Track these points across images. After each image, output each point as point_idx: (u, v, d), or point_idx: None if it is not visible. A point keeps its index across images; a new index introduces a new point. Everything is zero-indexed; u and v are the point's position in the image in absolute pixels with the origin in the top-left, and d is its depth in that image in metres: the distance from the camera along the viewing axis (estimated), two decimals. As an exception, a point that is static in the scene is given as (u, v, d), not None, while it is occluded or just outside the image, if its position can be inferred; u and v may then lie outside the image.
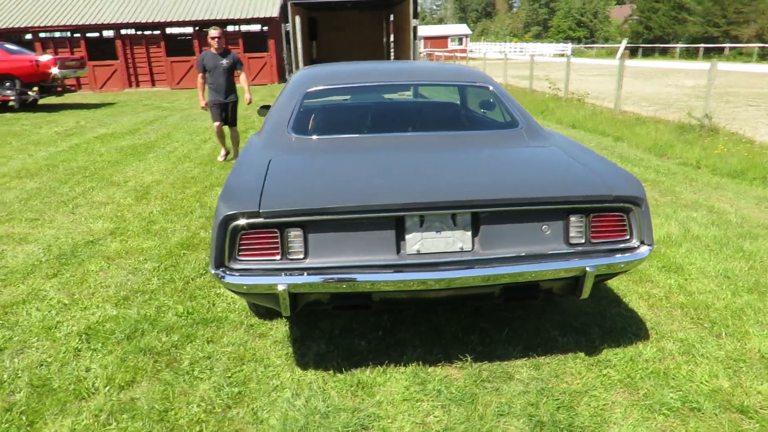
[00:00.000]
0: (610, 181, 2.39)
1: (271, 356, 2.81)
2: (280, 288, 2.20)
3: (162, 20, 20.60)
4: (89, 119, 12.35)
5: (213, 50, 6.85)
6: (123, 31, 21.11)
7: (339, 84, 3.35)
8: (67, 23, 20.70)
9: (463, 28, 48.51)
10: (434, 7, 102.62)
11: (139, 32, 21.41)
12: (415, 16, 10.43)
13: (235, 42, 21.02)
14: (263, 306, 2.79)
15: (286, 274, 2.25)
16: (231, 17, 20.82)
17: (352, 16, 17.43)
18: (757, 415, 2.30)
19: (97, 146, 8.77)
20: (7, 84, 13.16)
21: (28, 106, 14.21)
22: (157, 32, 21.21)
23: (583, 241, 2.36)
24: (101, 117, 12.77)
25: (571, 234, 2.35)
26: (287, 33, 10.41)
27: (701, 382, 2.51)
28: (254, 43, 21.58)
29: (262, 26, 22.06)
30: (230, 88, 7.02)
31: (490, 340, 2.91)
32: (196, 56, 20.95)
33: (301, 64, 11.04)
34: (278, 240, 2.25)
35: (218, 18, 20.67)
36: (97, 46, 21.43)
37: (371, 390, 2.53)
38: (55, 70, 13.18)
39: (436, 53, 36.27)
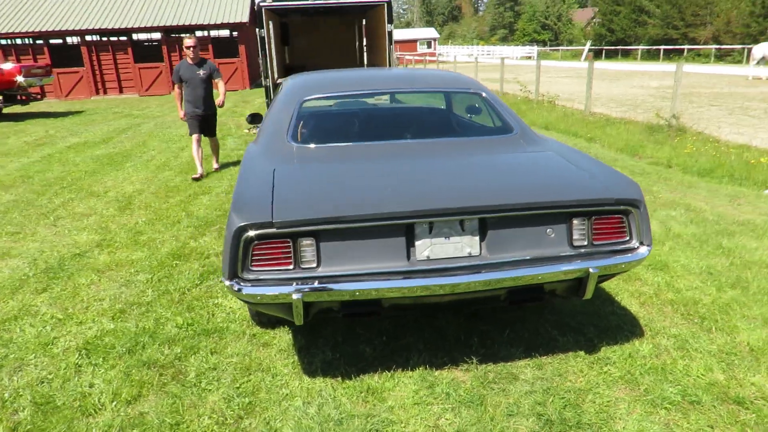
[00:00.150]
0: (610, 185, 2.49)
1: (278, 365, 2.82)
2: (295, 297, 2.21)
3: (128, 26, 20.21)
4: (58, 128, 12.04)
5: (189, 60, 6.59)
6: (88, 38, 20.63)
7: (335, 92, 3.37)
8: (29, 30, 20.12)
9: (431, 32, 48.92)
10: (401, 11, 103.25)
11: (105, 38, 20.94)
12: (390, 20, 10.48)
13: (204, 48, 20.77)
14: (273, 315, 2.79)
15: (298, 284, 2.27)
16: (200, 23, 20.57)
17: (324, 21, 17.39)
18: (753, 405, 2.41)
19: (71, 156, 8.57)
20: (-30, 93, 12.75)
21: (-9, 116, 13.78)
22: (124, 38, 20.80)
23: (585, 243, 2.45)
24: (71, 126, 12.47)
25: (574, 237, 2.44)
26: (262, 38, 10.33)
27: (698, 376, 2.62)
28: (225, 48, 21.38)
29: (232, 31, 21.87)
30: (209, 99, 6.78)
31: (491, 342, 2.97)
32: (164, 62, 20.66)
33: (275, 69, 10.97)
34: (291, 249, 2.26)
35: (187, 23, 20.41)
36: (61, 52, 20.89)
37: (381, 395, 2.56)
38: (20, 79, 12.82)
39: (407, 57, 36.49)
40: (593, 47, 46.76)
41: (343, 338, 3.02)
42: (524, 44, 59.96)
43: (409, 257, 2.35)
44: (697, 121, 11.15)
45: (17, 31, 20.07)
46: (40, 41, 20.58)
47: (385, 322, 3.15)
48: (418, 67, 22.80)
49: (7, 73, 12.67)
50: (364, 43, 16.84)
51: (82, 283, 3.83)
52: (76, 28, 20.10)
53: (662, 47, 39.53)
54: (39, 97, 15.04)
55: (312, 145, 2.99)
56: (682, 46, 39.13)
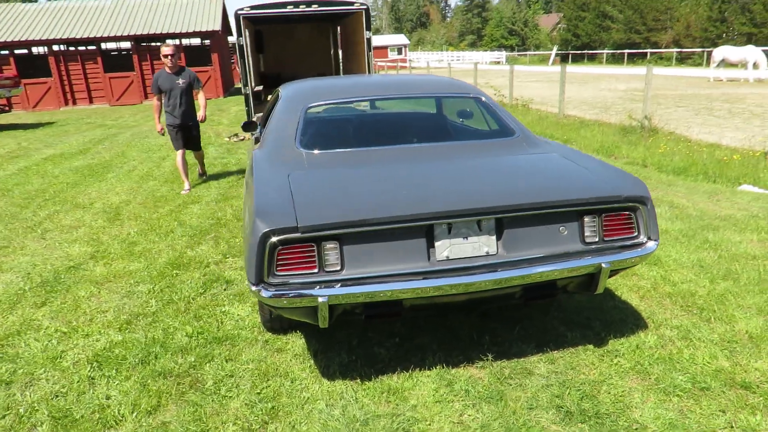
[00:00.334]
0: (618, 183, 2.59)
1: (295, 370, 2.83)
2: (321, 300, 2.24)
3: (98, 35, 19.84)
4: (31, 140, 11.74)
5: (167, 69, 6.26)
6: (56, 47, 20.16)
7: (338, 99, 3.41)
8: (-7, 39, 19.59)
9: (401, 38, 49.34)
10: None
11: (73, 48, 20.51)
12: (368, 27, 10.55)
13: (177, 56, 20.52)
14: (293, 320, 2.79)
15: (321, 287, 2.30)
16: (171, 31, 20.33)
17: (298, 29, 17.39)
18: (759, 389, 2.53)
19: (50, 168, 8.37)
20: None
21: (-43, 128, 13.36)
22: (93, 47, 20.40)
23: (597, 239, 2.54)
24: (44, 137, 12.17)
25: (586, 233, 2.52)
26: (241, 46, 10.29)
27: (704, 364, 2.74)
28: (197, 56, 21.15)
29: (203, 39, 21.67)
30: (190, 110, 6.43)
31: (503, 339, 3.04)
32: (135, 72, 20.34)
33: (251, 77, 10.92)
34: (315, 253, 2.29)
35: (157, 32, 20.15)
36: (28, 63, 20.36)
37: (402, 395, 2.60)
38: (-12, 90, 12.47)
39: (379, 63, 36.69)
40: (560, 52, 47.79)
41: (357, 341, 3.05)
42: (492, 49, 60.89)
43: (429, 258, 2.40)
44: (666, 122, 11.51)
45: (-20, 41, 19.52)
46: (5, 52, 20.03)
47: (397, 324, 3.19)
48: (413, 73, 22.95)
49: (-25, 85, 12.31)
50: (339, 50, 16.90)
51: (81, 295, 3.77)
52: (43, 38, 19.64)
53: (626, 51, 40.66)
54: (7, 108, 14.64)
55: (322, 151, 3.02)
56: (645, 50, 40.32)
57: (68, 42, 20.11)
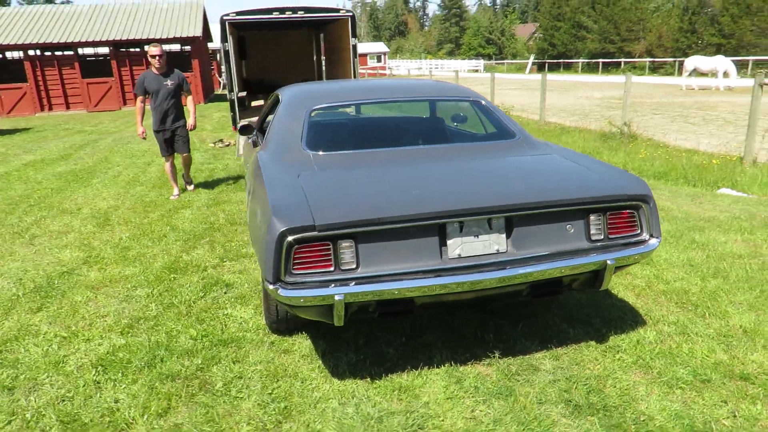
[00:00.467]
0: (621, 182, 2.67)
1: (304, 370, 2.84)
2: (337, 298, 2.26)
3: (75, 40, 19.54)
4: (8, 146, 11.50)
5: (154, 70, 6.00)
6: (31, 52, 19.79)
7: (343, 101, 3.45)
8: (-34, 44, 19.15)
9: (381, 46, 49.63)
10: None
11: (49, 53, 20.16)
12: (354, 34, 10.63)
13: (156, 62, 20.33)
14: (307, 319, 2.77)
15: (336, 285, 2.32)
16: (150, 37, 20.09)
17: (281, 35, 17.39)
18: (758, 380, 2.62)
19: (31, 174, 8.21)
20: None
21: (-70, 134, 13.00)
22: (70, 53, 20.07)
23: (602, 237, 2.61)
24: (21, 143, 11.92)
25: (592, 231, 2.60)
26: (226, 52, 10.26)
27: (703, 357, 2.83)
28: (177, 62, 20.89)
29: (182, 45, 21.52)
30: (178, 113, 6.17)
31: (507, 337, 3.09)
32: (114, 77, 20.08)
33: (235, 83, 10.89)
34: (331, 252, 2.31)
35: (136, 38, 19.94)
36: (2, 68, 19.94)
37: (414, 392, 2.63)
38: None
39: (359, 70, 36.79)
40: (537, 60, 48.58)
41: (364, 341, 3.07)
42: (471, 58, 61.61)
43: (441, 256, 2.45)
44: (644, 128, 11.79)
45: (-48, 45, 19.06)
46: (-22, 56, 19.61)
47: (402, 324, 3.22)
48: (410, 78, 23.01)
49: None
50: (323, 57, 16.95)
51: (78, 300, 3.71)
52: (18, 42, 19.26)
53: (601, 60, 41.51)
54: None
55: (329, 153, 3.05)
56: (619, 59, 41.23)
57: (44, 47, 19.77)
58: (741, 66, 28.36)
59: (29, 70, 19.61)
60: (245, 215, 5.60)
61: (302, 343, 3.09)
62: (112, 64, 20.07)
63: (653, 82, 29.39)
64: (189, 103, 6.38)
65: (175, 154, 6.39)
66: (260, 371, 2.83)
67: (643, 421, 2.39)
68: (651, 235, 2.68)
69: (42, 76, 19.83)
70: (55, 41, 19.47)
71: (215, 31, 31.46)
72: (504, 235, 2.51)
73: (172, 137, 6.22)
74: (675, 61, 35.71)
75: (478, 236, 2.47)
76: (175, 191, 6.48)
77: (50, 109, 20.16)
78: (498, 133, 3.38)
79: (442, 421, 2.43)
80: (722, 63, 22.39)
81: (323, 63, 16.91)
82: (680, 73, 30.54)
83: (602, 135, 11.34)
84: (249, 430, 2.41)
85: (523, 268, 2.47)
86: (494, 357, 2.88)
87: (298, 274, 2.30)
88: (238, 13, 10.27)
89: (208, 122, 14.56)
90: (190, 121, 6.32)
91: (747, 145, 8.17)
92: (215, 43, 30.52)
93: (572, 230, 2.58)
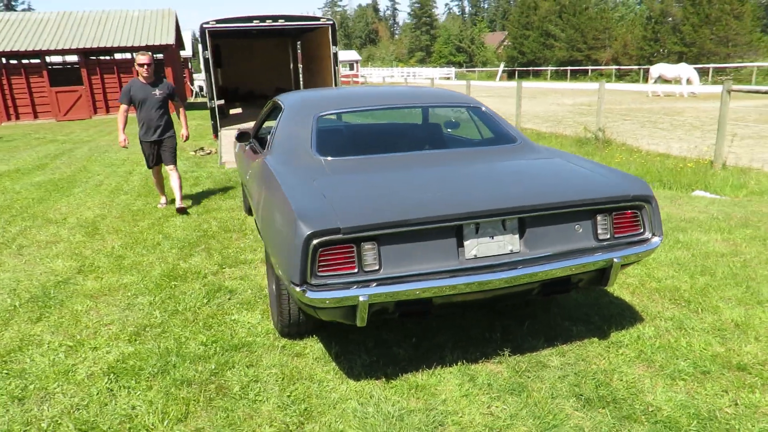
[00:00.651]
0: (625, 184, 2.80)
1: (318, 372, 2.87)
2: (362, 299, 2.31)
3: (43, 48, 19.08)
4: (-22, 155, 11.17)
5: (142, 79, 5.75)
6: (-3, 60, 19.26)
7: (349, 108, 3.50)
8: (-73, 51, 18.52)
9: (353, 54, 49.77)
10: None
11: (16, 61, 19.64)
12: (335, 42, 10.71)
13: (129, 71, 20.02)
14: (329, 321, 2.77)
15: (360, 286, 2.37)
16: (122, 45, 19.79)
17: (257, 43, 17.37)
18: (755, 370, 2.77)
19: (8, 184, 8.01)
20: None
21: None
22: (38, 61, 19.59)
23: (608, 236, 2.73)
24: (-8, 152, 11.59)
25: (599, 231, 2.71)
26: (206, 60, 10.22)
27: (701, 350, 2.97)
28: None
29: (154, 53, 21.21)
30: (166, 124, 5.91)
31: (513, 336, 3.18)
32: (84, 86, 19.68)
33: (214, 91, 10.86)
34: (354, 254, 2.37)
35: (107, 45, 19.58)
36: (-35, 75, 19.34)
37: (430, 391, 2.69)
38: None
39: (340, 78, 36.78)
40: (507, 68, 49.45)
41: (374, 343, 3.12)
42: (442, 66, 62.32)
43: (458, 257, 2.52)
44: (616, 134, 12.14)
45: None
46: (-60, 64, 18.98)
47: (411, 325, 3.28)
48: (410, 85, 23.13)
49: None
50: (300, 65, 16.96)
51: (78, 309, 3.67)
52: (-17, 50, 18.72)
53: (569, 68, 42.54)
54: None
55: (339, 158, 3.10)
56: (587, 67, 42.32)
57: (10, 55, 19.24)
58: (702, 73, 29.42)
59: (-5, 78, 19.05)
60: (238, 222, 5.59)
61: (313, 346, 3.12)
62: (82, 72, 19.66)
63: (620, 89, 30.22)
64: (182, 114, 6.16)
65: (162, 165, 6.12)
66: (275, 374, 2.85)
67: (652, 411, 2.50)
68: (653, 234, 2.81)
69: (8, 85, 19.29)
70: (21, 49, 18.98)
71: (187, 39, 31.13)
72: (517, 236, 2.60)
73: (159, 148, 5.96)
74: (640, 69, 36.82)
75: (493, 237, 2.56)
76: (162, 199, 6.36)
77: (17, 118, 19.62)
78: (500, 138, 3.48)
79: (461, 417, 2.50)
80: (685, 70, 23.25)
81: (300, 71, 16.94)
82: (645, 80, 31.54)
83: (578, 140, 11.63)
84: (272, 431, 2.43)
85: (536, 267, 2.57)
86: (504, 355, 2.97)
87: (323, 276, 2.34)
88: (218, 22, 10.24)
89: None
90: (183, 131, 6.14)
91: (717, 149, 8.50)
92: (187, 51, 30.21)
93: (581, 230, 2.69)
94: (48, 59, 19.99)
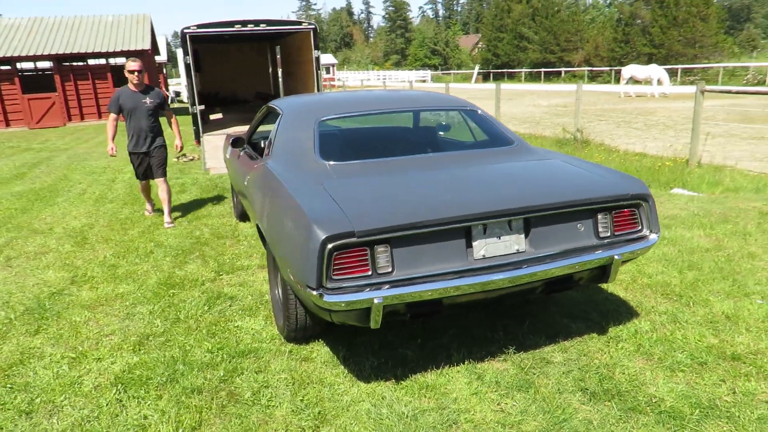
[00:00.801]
0: (624, 183, 2.90)
1: (328, 376, 2.90)
2: (376, 301, 2.35)
3: (15, 54, 18.64)
4: (-49, 166, 10.86)
5: (131, 87, 5.55)
6: (-35, 67, 18.76)
7: (350, 112, 3.53)
8: None
9: (329, 58, 49.73)
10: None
11: (-15, 67, 19.16)
12: (317, 46, 10.73)
13: (103, 77, 19.71)
14: (343, 323, 2.77)
15: (373, 289, 2.41)
16: (96, 50, 19.46)
17: (235, 48, 17.29)
18: (748, 359, 2.89)
19: (-13, 194, 7.82)
20: None
21: None
22: (8, 67, 19.12)
23: (609, 234, 2.82)
24: (-35, 162, 11.29)
25: (600, 229, 2.80)
26: (187, 65, 10.15)
27: (696, 342, 3.08)
28: (125, 77, 20.32)
29: (128, 59, 20.92)
30: (156, 133, 5.69)
31: (514, 334, 3.26)
32: (58, 92, 19.30)
33: (195, 96, 10.79)
34: (368, 257, 2.41)
35: (81, 51, 19.24)
36: (-69, 83, 18.78)
37: (440, 390, 2.74)
38: None
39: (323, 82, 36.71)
40: (482, 71, 49.97)
41: (381, 345, 3.16)
42: (417, 68, 62.65)
43: (467, 257, 2.58)
44: (593, 134, 12.39)
45: None
46: None
47: (415, 327, 3.33)
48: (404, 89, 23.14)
49: None
50: (279, 69, 16.91)
51: (77, 320, 3.63)
52: (-50, 57, 18.21)
53: (542, 70, 43.19)
54: None
55: (343, 162, 3.13)
56: (560, 69, 43.02)
57: (-21, 61, 18.77)
58: (671, 74, 30.18)
59: (-36, 85, 18.56)
60: (230, 229, 5.57)
61: (320, 350, 3.15)
62: (55, 78, 19.27)
63: (593, 90, 30.81)
64: (174, 124, 5.90)
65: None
66: (285, 379, 2.87)
67: (655, 402, 2.60)
68: (651, 231, 2.91)
69: (-23, 92, 18.79)
70: (-9, 55, 18.53)
71: (162, 44, 30.73)
72: (523, 236, 2.67)
73: (149, 161, 5.73)
74: (611, 70, 37.58)
75: (500, 237, 2.62)
76: (148, 206, 6.23)
77: (-12, 126, 19.12)
78: (497, 140, 3.56)
79: (473, 415, 2.56)
80: (656, 71, 23.83)
81: (279, 75, 16.90)
82: (617, 81, 32.22)
83: (557, 141, 11.84)
84: (288, 436, 2.45)
85: (543, 266, 2.64)
86: (508, 353, 3.04)
87: (338, 280, 2.38)
88: (200, 26, 10.18)
89: (165, 136, 14.20)
90: (177, 142, 5.93)
91: (692, 148, 8.74)
92: (162, 57, 29.83)
93: (582, 229, 2.78)
94: (19, 65, 19.55)
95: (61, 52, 19.00)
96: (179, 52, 14.64)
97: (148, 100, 5.58)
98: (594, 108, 20.04)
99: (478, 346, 3.13)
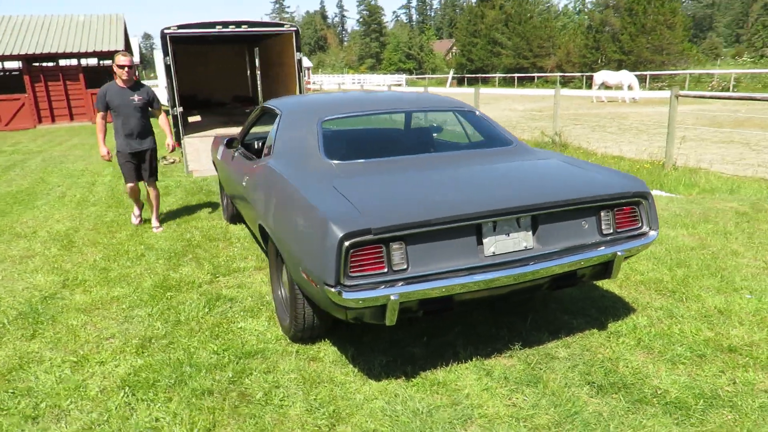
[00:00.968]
0: (625, 181, 2.98)
1: (338, 375, 2.91)
2: (393, 298, 2.38)
3: (-20, 54, 18.09)
4: None
5: (120, 83, 5.21)
6: (-72, 67, 18.12)
7: (351, 112, 3.55)
8: None
9: (305, 61, 49.56)
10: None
11: (-50, 67, 18.55)
12: (299, 48, 10.69)
13: (75, 78, 19.27)
14: (357, 321, 2.75)
15: (388, 285, 2.44)
16: (67, 51, 19.02)
17: (212, 50, 17.09)
18: (745, 350, 3.00)
19: (-39, 197, 7.58)
20: None
21: None
22: (-26, 67, 18.58)
23: (611, 231, 2.90)
24: (-67, 165, 10.90)
25: (603, 226, 2.88)
26: (167, 66, 10.00)
27: (693, 335, 3.18)
28: (99, 78, 19.87)
29: (100, 60, 20.54)
30: (146, 132, 5.40)
31: (518, 331, 3.31)
32: (27, 93, 18.80)
33: (176, 98, 10.63)
34: (383, 254, 2.43)
35: (52, 51, 18.77)
36: None
37: (451, 386, 2.77)
38: None
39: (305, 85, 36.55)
40: (456, 75, 50.46)
41: (388, 344, 3.18)
42: (392, 72, 62.88)
43: (478, 254, 2.63)
44: (570, 138, 12.64)
45: None
46: None
47: (420, 325, 3.36)
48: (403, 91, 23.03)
49: None
50: (258, 71, 16.79)
51: (73, 324, 3.55)
52: None
53: (516, 75, 43.86)
54: None
55: (349, 161, 3.15)
56: (533, 74, 43.76)
57: (-56, 61, 18.16)
58: (640, 80, 30.98)
59: (-73, 86, 17.92)
60: (221, 231, 5.51)
61: (327, 350, 3.15)
62: (25, 79, 18.75)
63: (566, 94, 31.38)
64: (162, 122, 5.60)
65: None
66: (295, 379, 2.87)
67: (660, 394, 2.68)
68: (650, 228, 3.01)
69: (-57, 93, 18.17)
70: (-43, 55, 17.95)
71: (135, 45, 30.18)
72: (530, 233, 2.73)
73: (140, 161, 5.46)
74: (582, 76, 38.38)
75: (509, 234, 2.68)
76: (136, 211, 5.83)
77: (-47, 128, 18.49)
78: (496, 140, 3.62)
79: (486, 410, 2.60)
80: (627, 77, 24.44)
81: (258, 78, 16.77)
82: (589, 87, 32.91)
83: (536, 144, 12.02)
84: (305, 434, 2.45)
85: (551, 262, 2.70)
86: (514, 349, 3.09)
87: (354, 277, 2.39)
88: (180, 27, 10.03)
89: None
90: (169, 140, 5.60)
91: (668, 151, 8.99)
92: (135, 58, 29.27)
93: (587, 226, 2.85)
94: (-14, 66, 18.99)
95: (30, 52, 18.51)
96: (156, 54, 14.45)
97: (136, 97, 5.28)
98: (568, 112, 20.43)
99: (484, 343, 3.17)
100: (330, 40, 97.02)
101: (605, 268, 2.94)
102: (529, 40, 46.26)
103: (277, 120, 3.73)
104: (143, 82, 5.85)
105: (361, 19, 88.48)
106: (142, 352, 3.18)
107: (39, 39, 19.19)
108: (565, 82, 41.25)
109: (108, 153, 5.43)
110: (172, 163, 9.97)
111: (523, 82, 43.42)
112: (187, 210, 6.48)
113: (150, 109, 5.45)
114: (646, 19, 37.73)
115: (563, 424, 2.48)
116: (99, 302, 3.89)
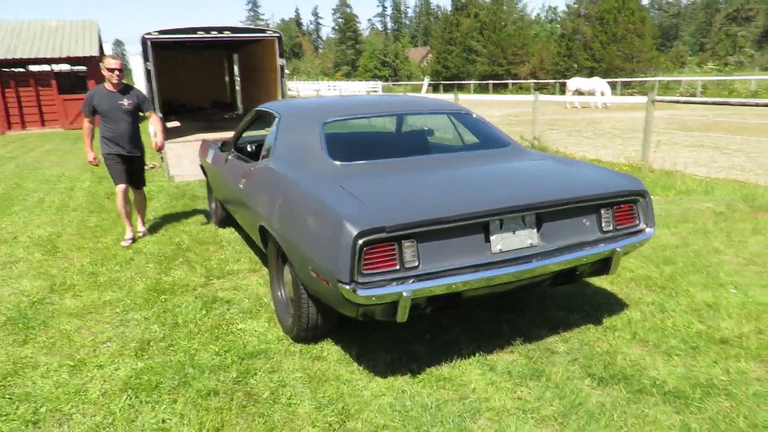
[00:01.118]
0: (623, 180, 3.07)
1: (344, 373, 2.91)
2: (405, 294, 2.40)
3: (-53, 58, 17.59)
4: None
5: (109, 86, 5.03)
6: None
7: (350, 115, 3.58)
8: None
9: (281, 68, 49.34)
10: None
11: None
12: (281, 54, 10.68)
13: (47, 83, 18.85)
14: (364, 317, 2.73)
15: (400, 283, 2.46)
16: (39, 56, 18.60)
17: (191, 55, 16.91)
18: (736, 341, 3.11)
19: (-66, 204, 7.34)
20: None
21: None
22: (-60, 72, 18.03)
23: (611, 228, 2.99)
24: None
25: (603, 223, 2.96)
26: (148, 72, 9.88)
27: (686, 328, 3.28)
28: (72, 84, 19.51)
29: (73, 65, 20.14)
30: (135, 137, 5.21)
31: (519, 327, 3.37)
32: (-3, 99, 18.31)
33: (157, 103, 10.49)
34: (396, 252, 2.46)
35: (23, 57, 18.33)
36: None
37: (457, 382, 2.81)
38: None
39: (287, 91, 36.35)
40: (432, 82, 50.87)
41: (391, 342, 3.20)
42: (368, 79, 63.07)
43: (486, 251, 2.67)
44: (548, 143, 12.86)
45: None
46: None
47: (422, 323, 3.39)
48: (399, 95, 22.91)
49: None
50: (237, 77, 16.67)
51: (66, 329, 3.48)
52: None
53: (491, 81, 44.42)
54: None
55: (353, 162, 3.17)
56: (507, 81, 44.38)
57: None
58: (612, 86, 31.71)
59: None
60: (210, 234, 5.46)
61: (330, 349, 3.16)
62: (-6, 85, 18.28)
63: (540, 100, 31.91)
64: (155, 121, 5.34)
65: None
66: (301, 378, 2.87)
67: (659, 384, 2.75)
68: (647, 225, 3.10)
69: None
70: None
71: (109, 51, 29.67)
72: (535, 230, 2.79)
73: (129, 164, 5.28)
74: (556, 82, 39.08)
75: (515, 232, 2.73)
76: (128, 233, 5.33)
77: None
78: (494, 142, 3.69)
79: (494, 403, 2.64)
80: (599, 84, 25.01)
81: (238, 84, 16.65)
82: (562, 93, 33.52)
83: (516, 149, 12.17)
84: (316, 431, 2.45)
85: (555, 258, 2.76)
86: (515, 345, 3.14)
87: (368, 274, 2.41)
88: (161, 32, 9.94)
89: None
90: (157, 139, 5.27)
91: (644, 154, 9.22)
92: (142, 62, 28.78)
93: (588, 223, 2.92)
94: (-47, 71, 18.45)
95: (1, 57, 18.05)
96: (132, 60, 14.25)
97: (126, 101, 5.08)
98: (544, 117, 20.76)
99: (486, 340, 3.22)
100: (305, 48, 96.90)
101: (605, 264, 3.02)
102: (503, 48, 46.95)
103: (275, 123, 3.73)
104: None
105: (336, 27, 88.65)
106: (142, 355, 3.13)
107: (11, 44, 18.74)
108: (539, 89, 41.90)
109: (95, 158, 5.21)
110: (152, 168, 9.83)
111: (498, 88, 43.98)
112: (173, 214, 6.40)
113: (141, 112, 5.28)
114: (616, 27, 38.64)
115: (569, 415, 2.53)
116: (91, 306, 3.82)
